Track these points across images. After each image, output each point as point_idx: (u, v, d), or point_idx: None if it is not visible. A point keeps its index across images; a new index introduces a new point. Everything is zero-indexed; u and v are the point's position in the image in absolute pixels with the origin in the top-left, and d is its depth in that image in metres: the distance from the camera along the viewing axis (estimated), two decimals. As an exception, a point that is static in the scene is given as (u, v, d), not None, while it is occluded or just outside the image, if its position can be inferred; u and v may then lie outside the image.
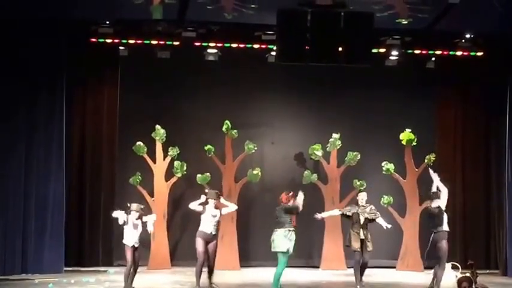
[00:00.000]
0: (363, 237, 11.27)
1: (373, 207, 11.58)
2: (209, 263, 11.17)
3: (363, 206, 11.47)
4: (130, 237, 10.81)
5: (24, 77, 12.94)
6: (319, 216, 11.75)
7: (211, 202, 11.21)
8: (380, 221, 11.52)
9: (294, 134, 15.08)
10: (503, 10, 12.02)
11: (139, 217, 10.88)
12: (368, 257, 11.39)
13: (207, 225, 11.11)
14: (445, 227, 11.04)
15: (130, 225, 10.82)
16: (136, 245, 10.84)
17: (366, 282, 11.62)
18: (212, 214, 11.15)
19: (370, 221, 11.45)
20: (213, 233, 11.16)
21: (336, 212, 12.02)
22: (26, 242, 12.77)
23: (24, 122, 12.95)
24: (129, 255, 10.76)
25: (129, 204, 11.01)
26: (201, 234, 11.11)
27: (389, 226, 11.60)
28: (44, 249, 12.86)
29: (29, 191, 12.89)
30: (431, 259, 11.86)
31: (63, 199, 13.10)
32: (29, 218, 12.85)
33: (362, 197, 11.58)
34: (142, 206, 11.07)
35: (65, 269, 13.12)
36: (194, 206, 11.26)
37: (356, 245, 11.25)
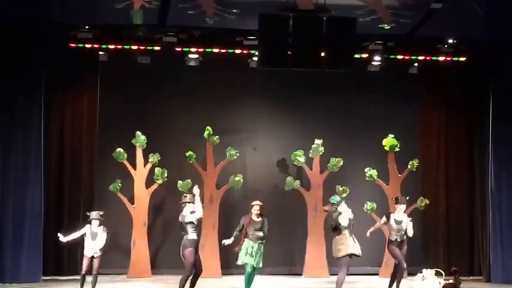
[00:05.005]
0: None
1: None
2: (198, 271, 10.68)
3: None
4: (89, 247, 10.84)
5: (1, 82, 12.76)
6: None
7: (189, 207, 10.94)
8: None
9: (276, 140, 14.97)
10: (484, 13, 12.00)
11: (100, 225, 10.89)
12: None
13: (192, 232, 10.58)
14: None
15: (88, 235, 10.84)
16: (95, 255, 10.86)
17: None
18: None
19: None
20: (196, 238, 10.68)
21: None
22: (3, 251, 12.57)
23: (1, 128, 12.77)
24: (84, 264, 10.85)
25: (88, 213, 11.06)
26: (192, 243, 10.49)
27: None
28: (21, 257, 12.66)
29: (7, 198, 12.72)
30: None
31: (41, 207, 12.91)
32: (6, 226, 12.67)
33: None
34: (101, 213, 11.05)
35: (43, 278, 12.93)
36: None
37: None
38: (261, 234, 10.67)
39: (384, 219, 11.39)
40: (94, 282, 10.95)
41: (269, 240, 11.01)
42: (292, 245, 14.41)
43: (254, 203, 10.90)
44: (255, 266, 10.65)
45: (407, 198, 11.79)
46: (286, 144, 14.80)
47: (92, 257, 10.86)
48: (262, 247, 10.70)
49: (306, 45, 11.27)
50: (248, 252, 10.58)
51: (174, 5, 12.13)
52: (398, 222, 11.17)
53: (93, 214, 10.94)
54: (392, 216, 11.26)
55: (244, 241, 10.67)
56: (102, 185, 13.90)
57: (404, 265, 11.21)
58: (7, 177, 12.74)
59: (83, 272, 10.92)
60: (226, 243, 10.74)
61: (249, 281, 10.77)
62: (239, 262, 10.73)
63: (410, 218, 11.38)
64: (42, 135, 13.02)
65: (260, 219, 10.75)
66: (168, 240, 13.96)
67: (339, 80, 14.15)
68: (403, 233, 11.18)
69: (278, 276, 14.06)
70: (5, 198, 12.68)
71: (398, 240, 11.18)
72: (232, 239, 10.73)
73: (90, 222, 10.91)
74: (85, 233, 10.88)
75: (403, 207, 11.34)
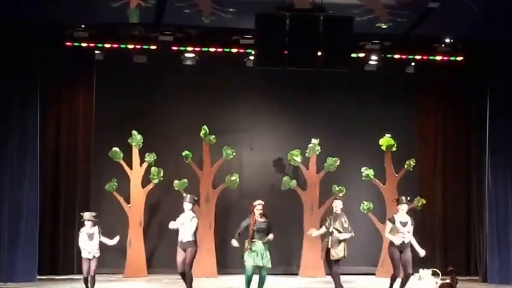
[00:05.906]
0: (330, 246, 10.89)
1: (345, 219, 10.97)
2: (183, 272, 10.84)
3: (336, 213, 11.08)
4: (87, 249, 10.83)
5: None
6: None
7: (188, 206, 10.94)
8: (343, 236, 10.87)
9: (273, 140, 14.94)
10: (481, 12, 11.98)
11: (94, 225, 10.88)
12: (332, 266, 10.98)
13: (181, 233, 10.84)
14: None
15: (85, 236, 10.83)
16: (96, 255, 10.86)
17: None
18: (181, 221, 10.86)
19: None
20: (184, 240, 10.77)
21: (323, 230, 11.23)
22: (-2, 250, 12.54)
23: (-3, 128, 12.74)
24: (85, 267, 10.83)
25: (82, 214, 11.08)
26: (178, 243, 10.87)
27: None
28: (17, 257, 12.59)
29: (2, 198, 12.65)
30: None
31: (37, 206, 12.85)
32: (1, 226, 12.60)
33: (336, 205, 11.13)
34: (94, 214, 11.06)
35: (39, 277, 12.87)
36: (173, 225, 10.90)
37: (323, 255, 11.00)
38: (268, 234, 10.61)
39: (389, 224, 11.05)
40: (92, 284, 10.91)
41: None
42: (288, 245, 14.35)
43: (256, 202, 10.82)
44: (266, 266, 10.58)
45: (409, 198, 11.56)
46: (282, 143, 14.77)
47: (90, 259, 10.84)
48: (267, 246, 10.67)
49: (303, 44, 11.23)
50: (257, 253, 10.52)
51: (170, 4, 12.08)
52: (404, 224, 10.97)
53: (86, 215, 10.93)
54: (397, 219, 11.03)
55: (250, 242, 10.59)
56: (98, 184, 13.86)
57: (403, 272, 11.05)
58: (3, 176, 12.68)
59: (85, 275, 10.86)
60: (235, 245, 10.69)
61: (249, 282, 10.71)
62: (251, 263, 10.57)
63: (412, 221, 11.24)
64: (38, 134, 12.96)
65: (264, 219, 10.70)
66: (164, 240, 13.90)
67: (336, 79, 14.13)
68: (407, 235, 10.97)
69: (274, 275, 14.00)
70: (0, 197, 12.61)
71: (405, 242, 10.94)
72: (236, 242, 10.66)
73: (84, 224, 10.91)
74: (82, 235, 10.88)
75: (405, 207, 11.13)
